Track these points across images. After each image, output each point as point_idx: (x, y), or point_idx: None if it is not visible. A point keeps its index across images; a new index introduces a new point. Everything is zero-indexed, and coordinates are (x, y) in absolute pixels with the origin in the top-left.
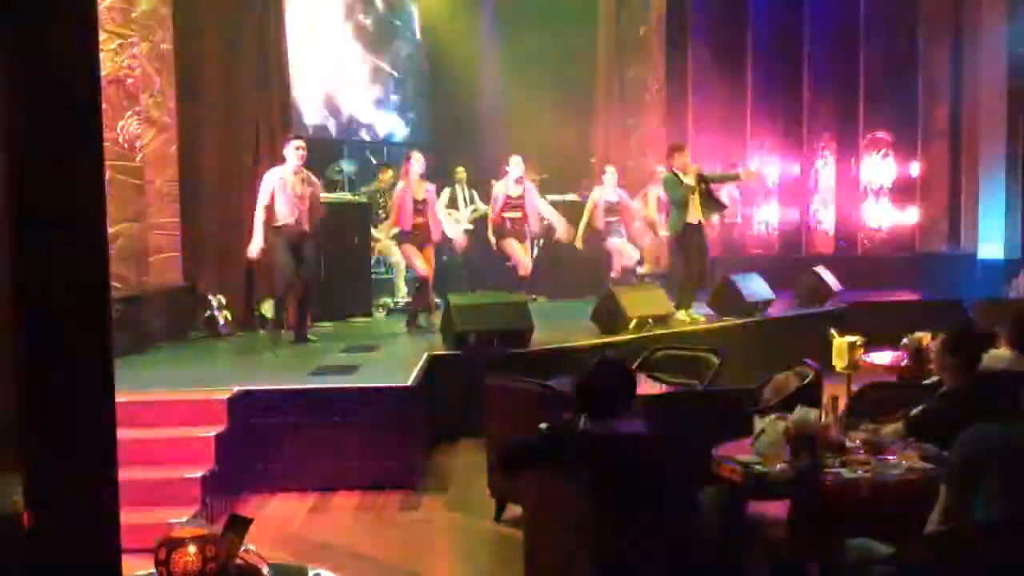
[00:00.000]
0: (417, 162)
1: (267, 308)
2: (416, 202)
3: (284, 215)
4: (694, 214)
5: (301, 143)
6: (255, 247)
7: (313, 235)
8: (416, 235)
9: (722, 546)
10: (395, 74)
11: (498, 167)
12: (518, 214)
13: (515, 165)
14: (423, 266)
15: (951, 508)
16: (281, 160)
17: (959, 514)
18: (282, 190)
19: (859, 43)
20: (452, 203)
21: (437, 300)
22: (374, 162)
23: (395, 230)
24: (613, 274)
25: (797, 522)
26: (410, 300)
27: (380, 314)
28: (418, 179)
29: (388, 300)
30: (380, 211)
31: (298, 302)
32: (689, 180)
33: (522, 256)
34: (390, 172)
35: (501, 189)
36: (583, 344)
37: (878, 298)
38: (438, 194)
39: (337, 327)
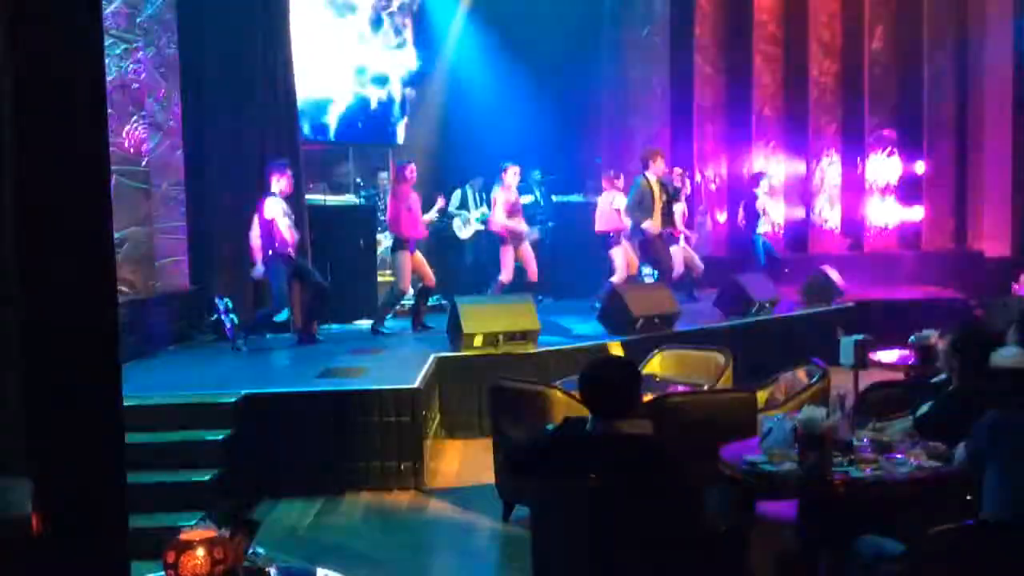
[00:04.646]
0: (413, 173)
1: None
2: (412, 210)
3: (288, 240)
4: (658, 222)
5: (288, 169)
6: (258, 272)
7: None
8: (411, 242)
9: (730, 546)
10: (400, 75)
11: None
12: (517, 221)
13: (512, 175)
14: (406, 281)
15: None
16: (283, 167)
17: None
18: (283, 217)
19: (864, 40)
20: (463, 204)
21: (443, 302)
22: (388, 166)
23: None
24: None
25: (805, 521)
26: (413, 304)
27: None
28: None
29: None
30: (381, 215)
31: (308, 310)
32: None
33: (512, 266)
34: (384, 175)
35: (499, 197)
36: (589, 345)
37: (885, 296)
38: (448, 196)
39: (343, 329)
